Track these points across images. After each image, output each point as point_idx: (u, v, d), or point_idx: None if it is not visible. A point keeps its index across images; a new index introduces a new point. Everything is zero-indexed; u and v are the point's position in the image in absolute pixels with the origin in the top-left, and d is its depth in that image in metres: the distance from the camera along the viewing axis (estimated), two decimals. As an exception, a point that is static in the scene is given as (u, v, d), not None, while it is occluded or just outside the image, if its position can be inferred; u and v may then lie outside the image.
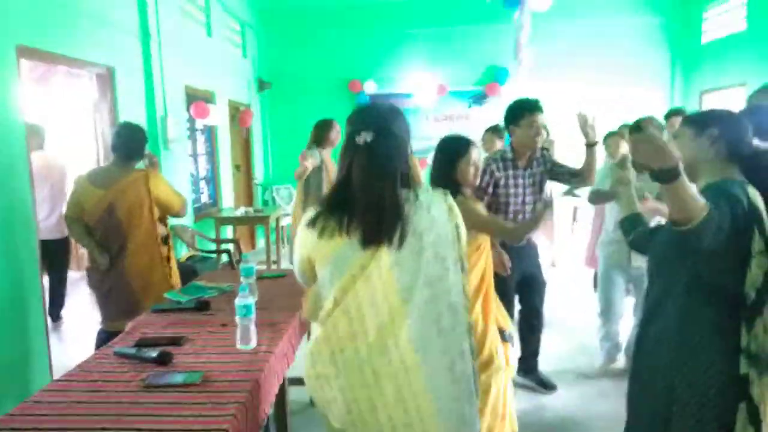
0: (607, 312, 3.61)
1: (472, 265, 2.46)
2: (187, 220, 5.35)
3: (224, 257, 5.17)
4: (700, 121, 1.76)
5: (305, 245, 1.55)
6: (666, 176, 1.42)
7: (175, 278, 3.39)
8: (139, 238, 3.20)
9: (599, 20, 7.87)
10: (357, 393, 1.48)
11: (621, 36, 7.97)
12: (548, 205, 2.63)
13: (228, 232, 6.37)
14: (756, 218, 1.61)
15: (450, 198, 1.56)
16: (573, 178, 3.20)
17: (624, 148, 4.35)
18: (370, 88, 8.11)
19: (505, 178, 3.10)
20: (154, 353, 1.88)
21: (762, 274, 1.61)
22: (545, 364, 3.60)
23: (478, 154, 2.44)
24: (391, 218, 1.45)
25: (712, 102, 7.46)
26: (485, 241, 2.52)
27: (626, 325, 3.73)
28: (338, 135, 4.50)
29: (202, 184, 6.13)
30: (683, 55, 8.05)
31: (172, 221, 4.94)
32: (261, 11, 8.17)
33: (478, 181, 2.53)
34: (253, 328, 1.99)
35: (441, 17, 7.94)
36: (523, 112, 3.04)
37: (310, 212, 1.55)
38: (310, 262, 1.57)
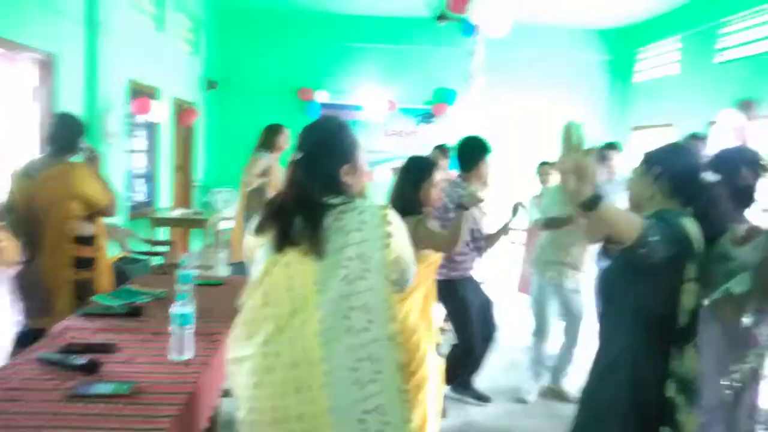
0: (539, 332, 3.73)
1: (422, 280, 2.52)
2: (120, 219, 5.14)
3: (157, 260, 5.00)
4: (648, 160, 1.89)
5: (248, 235, 1.66)
6: (591, 204, 1.53)
7: (104, 281, 3.23)
8: (54, 234, 3.02)
9: (545, 52, 8.24)
10: (259, 377, 1.48)
11: (563, 69, 8.38)
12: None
13: (163, 233, 6.16)
14: (689, 246, 1.71)
15: (391, 211, 1.58)
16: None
17: (556, 178, 4.57)
18: (322, 97, 8.11)
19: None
20: (81, 361, 1.80)
21: (693, 300, 1.72)
22: (480, 383, 3.70)
23: (441, 176, 2.53)
24: (305, 226, 1.52)
25: (642, 138, 7.95)
26: (437, 259, 2.59)
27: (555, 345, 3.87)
28: (287, 141, 4.49)
29: (139, 182, 5.91)
30: (618, 92, 8.54)
31: (105, 220, 4.75)
32: (215, 10, 8.03)
33: (440, 202, 2.61)
34: (189, 339, 1.94)
35: (395, 35, 8.09)
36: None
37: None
38: (250, 249, 1.66)
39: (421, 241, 2.45)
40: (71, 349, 1.93)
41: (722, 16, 6.26)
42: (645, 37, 7.95)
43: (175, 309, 1.90)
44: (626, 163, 4.71)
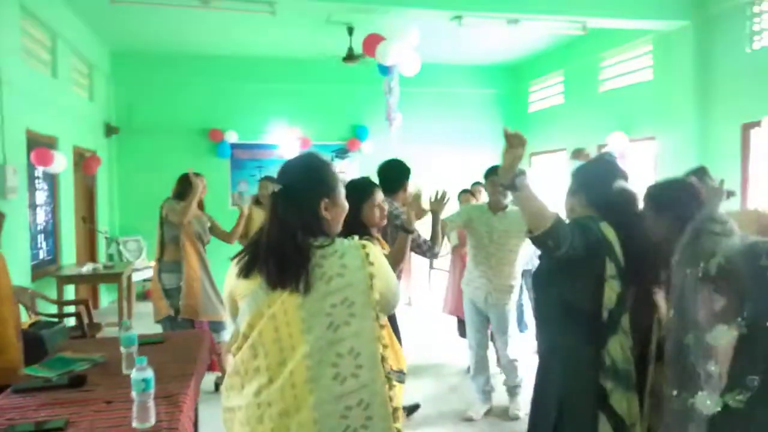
0: (477, 348, 3.80)
1: None
2: (25, 281, 4.72)
3: (70, 321, 4.62)
4: (572, 185, 2.17)
5: (229, 282, 1.61)
6: (510, 185, 1.76)
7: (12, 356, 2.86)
8: None
9: (446, 89, 8.74)
10: (251, 426, 1.47)
11: (464, 104, 8.92)
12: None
13: (70, 291, 5.70)
14: (606, 246, 1.92)
15: (370, 248, 1.61)
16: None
17: (474, 202, 4.83)
18: (232, 137, 7.99)
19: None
20: (34, 443, 1.65)
21: (615, 296, 1.91)
22: (424, 407, 3.77)
23: (381, 196, 2.56)
24: (294, 266, 1.51)
25: (540, 163, 8.59)
26: None
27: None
28: (204, 188, 4.32)
29: (41, 238, 5.46)
30: (513, 122, 9.19)
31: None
32: (112, 54, 7.71)
33: (384, 222, 2.60)
34: (151, 404, 1.85)
35: (305, 75, 8.18)
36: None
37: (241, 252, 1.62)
38: (232, 298, 1.61)
39: None
40: (16, 430, 1.77)
41: (602, 50, 7.00)
42: (534, 71, 8.67)
43: (136, 374, 1.81)
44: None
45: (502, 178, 1.79)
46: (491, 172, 3.67)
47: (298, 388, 1.46)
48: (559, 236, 1.78)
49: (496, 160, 7.77)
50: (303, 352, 1.47)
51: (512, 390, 3.80)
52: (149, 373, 1.82)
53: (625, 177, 2.12)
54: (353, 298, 1.52)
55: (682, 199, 1.86)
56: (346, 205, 1.70)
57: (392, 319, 3.37)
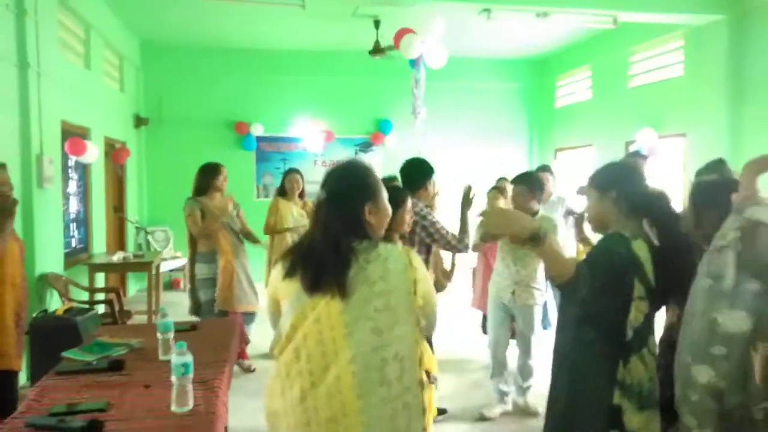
0: (495, 347, 3.82)
1: None
2: (58, 268, 4.85)
3: (100, 307, 4.75)
4: (601, 185, 2.06)
5: (272, 284, 1.65)
6: (533, 242, 1.75)
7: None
8: None
9: (472, 83, 8.68)
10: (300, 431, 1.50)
11: (489, 98, 8.86)
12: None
13: (99, 279, 5.83)
14: (635, 266, 1.87)
15: (413, 254, 1.64)
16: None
17: (502, 201, 4.80)
18: (258, 130, 8.06)
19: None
20: (80, 423, 1.71)
21: (642, 316, 1.89)
22: (444, 401, 3.78)
23: (410, 204, 2.65)
24: (333, 270, 1.52)
25: (565, 159, 8.50)
26: None
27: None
28: (225, 179, 4.41)
29: (73, 226, 5.60)
30: (539, 117, 9.12)
31: (42, 268, 4.47)
32: (142, 46, 7.82)
33: (407, 228, 2.69)
34: (190, 389, 1.90)
35: (331, 68, 8.21)
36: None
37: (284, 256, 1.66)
38: (275, 300, 1.65)
39: None
40: (62, 411, 1.83)
41: (632, 45, 6.88)
42: (562, 65, 8.57)
43: (176, 358, 1.86)
44: (557, 185, 5.04)
45: (518, 239, 1.82)
46: (520, 181, 3.66)
47: (345, 394, 1.48)
48: (579, 282, 1.80)
49: (521, 154, 7.79)
50: (347, 357, 1.49)
51: (521, 390, 3.82)
52: (189, 358, 1.87)
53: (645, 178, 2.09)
54: (396, 303, 1.54)
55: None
56: (389, 209, 1.71)
57: None
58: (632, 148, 6.33)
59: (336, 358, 1.49)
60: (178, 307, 6.61)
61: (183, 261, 7.66)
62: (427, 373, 2.78)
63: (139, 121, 7.74)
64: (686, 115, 6.04)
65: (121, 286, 7.07)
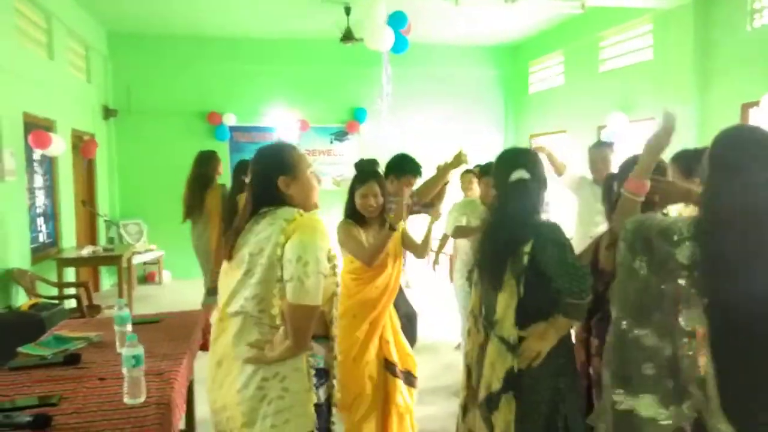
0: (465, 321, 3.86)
1: (350, 293, 2.65)
2: (24, 263, 4.76)
3: (70, 302, 4.67)
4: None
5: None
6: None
7: None
8: None
9: (446, 70, 8.66)
10: (207, 374, 1.85)
11: (465, 85, 8.85)
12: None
13: (70, 274, 5.74)
14: None
15: (309, 218, 1.72)
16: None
17: (476, 186, 4.81)
18: (230, 120, 7.97)
19: None
20: (27, 417, 1.69)
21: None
22: (420, 382, 3.81)
23: (376, 189, 2.64)
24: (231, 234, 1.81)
25: (540, 144, 8.54)
26: (370, 273, 2.67)
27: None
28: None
29: (40, 221, 5.49)
30: (514, 103, 9.14)
31: (7, 264, 4.38)
32: (109, 35, 7.66)
33: (373, 213, 2.67)
34: (142, 380, 1.88)
35: (303, 56, 8.12)
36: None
37: None
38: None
39: (340, 242, 2.67)
40: (10, 406, 1.80)
41: (602, 30, 6.92)
42: (534, 51, 8.59)
43: (127, 350, 1.84)
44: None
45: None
46: (486, 171, 3.64)
47: (227, 337, 1.79)
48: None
49: (498, 141, 7.77)
50: (228, 302, 1.81)
51: None
52: (139, 350, 1.85)
53: None
54: (263, 249, 1.70)
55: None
56: (311, 184, 1.86)
57: (412, 320, 3.37)
58: (604, 133, 6.39)
59: (225, 304, 1.77)
60: (151, 300, 6.57)
61: (158, 254, 7.59)
62: (408, 373, 2.84)
63: (108, 113, 7.60)
64: (656, 99, 6.09)
65: (94, 281, 6.99)
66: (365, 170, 2.74)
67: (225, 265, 1.84)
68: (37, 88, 5.29)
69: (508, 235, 1.97)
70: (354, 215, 2.71)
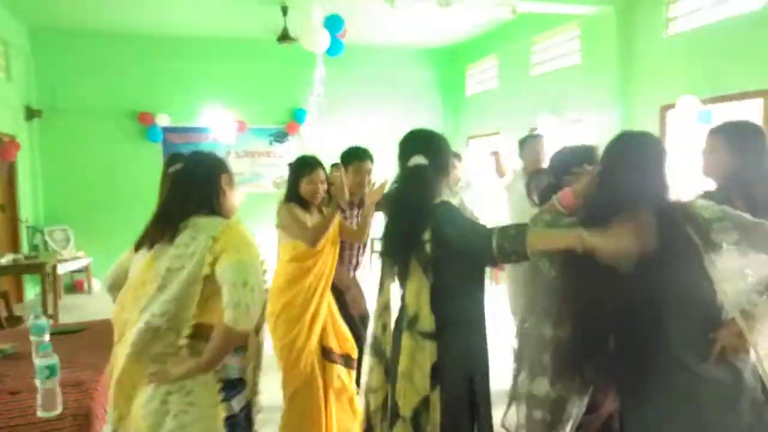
0: None
1: (287, 279, 2.70)
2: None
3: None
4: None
5: None
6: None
7: None
8: None
9: (385, 71, 8.72)
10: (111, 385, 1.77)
11: (404, 87, 8.93)
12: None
13: (-11, 283, 5.41)
14: None
15: (225, 234, 1.66)
16: None
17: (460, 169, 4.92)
18: (163, 121, 7.72)
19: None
20: (-74, 437, 1.58)
21: None
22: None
23: (322, 176, 2.76)
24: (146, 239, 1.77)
25: (477, 146, 8.74)
26: (310, 262, 2.70)
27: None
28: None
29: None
30: (452, 105, 9.32)
31: None
32: (31, 31, 7.25)
33: (318, 200, 2.78)
34: (58, 392, 1.80)
35: (239, 56, 7.96)
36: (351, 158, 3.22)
37: None
38: None
39: (283, 224, 2.73)
40: None
41: (533, 34, 7.16)
42: (470, 54, 8.79)
43: (40, 361, 1.75)
44: (466, 171, 5.21)
45: None
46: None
47: (124, 350, 1.74)
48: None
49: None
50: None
51: None
52: (53, 359, 1.77)
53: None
54: (183, 266, 1.66)
55: None
56: (230, 191, 1.83)
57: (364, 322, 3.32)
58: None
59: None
60: (79, 309, 6.26)
61: (86, 261, 7.25)
62: (347, 356, 2.86)
63: (32, 113, 7.19)
64: (583, 102, 6.38)
65: (17, 291, 6.60)
66: (311, 159, 2.84)
67: (134, 271, 1.75)
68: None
69: (407, 226, 1.92)
70: (295, 200, 2.77)
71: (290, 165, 2.91)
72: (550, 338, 1.61)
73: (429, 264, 1.87)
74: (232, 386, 1.77)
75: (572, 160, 2.06)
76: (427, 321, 1.87)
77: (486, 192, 5.36)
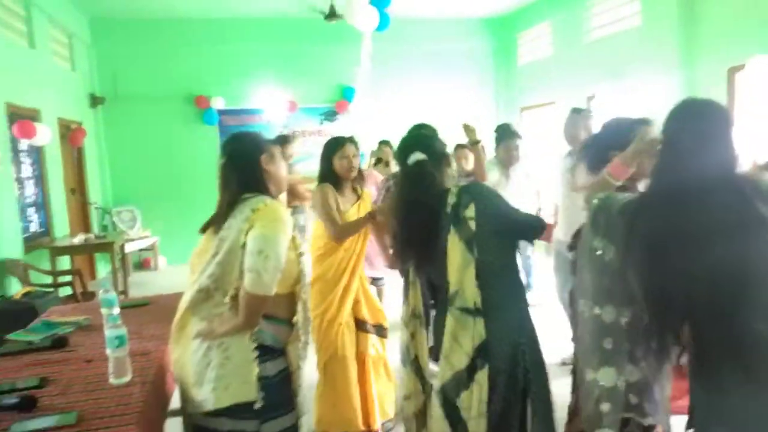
0: None
1: (320, 254, 2.81)
2: (16, 253, 4.78)
3: (66, 290, 4.71)
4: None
5: None
6: None
7: None
8: None
9: (434, 43, 8.58)
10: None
11: (453, 58, 8.76)
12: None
13: (65, 263, 5.77)
14: None
15: (261, 209, 1.82)
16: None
17: (471, 160, 4.82)
18: (218, 104, 7.92)
19: None
20: (13, 399, 1.72)
21: None
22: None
23: (354, 150, 2.84)
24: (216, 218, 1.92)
25: (531, 117, 8.51)
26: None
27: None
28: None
29: (31, 211, 5.49)
30: (503, 76, 9.07)
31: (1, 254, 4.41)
32: (92, 22, 7.56)
33: (353, 174, 2.86)
34: (127, 360, 1.91)
35: (288, 36, 8.03)
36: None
37: None
38: None
39: (314, 206, 2.81)
40: (-2, 390, 1.83)
41: (587, -1, 6.85)
42: (523, 22, 8.50)
43: (109, 331, 1.86)
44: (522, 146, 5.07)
45: None
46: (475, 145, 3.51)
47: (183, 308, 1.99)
48: None
49: (490, 114, 7.72)
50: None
51: None
52: (122, 330, 1.87)
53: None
54: (229, 236, 1.85)
55: None
56: (280, 171, 1.99)
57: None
58: (593, 104, 6.37)
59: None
60: (147, 286, 6.60)
61: (152, 240, 7.61)
62: (380, 326, 2.95)
63: (95, 100, 7.55)
64: (644, 67, 6.05)
65: (90, 269, 7.02)
66: (339, 137, 2.94)
67: (200, 244, 1.96)
68: (20, 78, 5.24)
69: (425, 215, 1.97)
70: (330, 178, 2.83)
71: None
72: (610, 323, 1.53)
73: (473, 240, 1.87)
74: (266, 351, 1.89)
75: (616, 135, 2.02)
76: (471, 298, 1.88)
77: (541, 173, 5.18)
